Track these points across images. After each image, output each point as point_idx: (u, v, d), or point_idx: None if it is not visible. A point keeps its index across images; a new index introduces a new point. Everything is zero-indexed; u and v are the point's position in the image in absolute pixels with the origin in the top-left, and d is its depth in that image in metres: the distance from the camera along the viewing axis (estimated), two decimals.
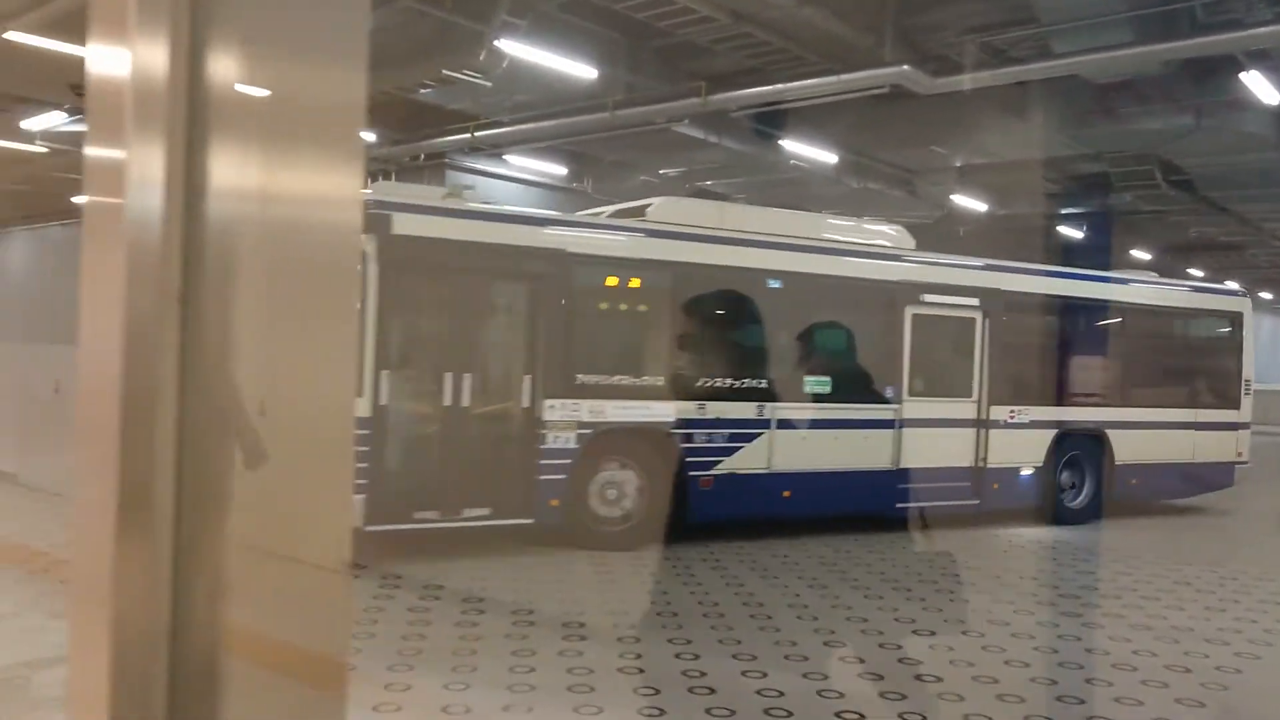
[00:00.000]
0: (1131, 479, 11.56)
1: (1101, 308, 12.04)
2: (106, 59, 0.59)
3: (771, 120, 13.73)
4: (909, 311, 10.17)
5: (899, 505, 9.95)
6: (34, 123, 14.93)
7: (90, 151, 0.62)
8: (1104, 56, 10.75)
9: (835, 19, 10.67)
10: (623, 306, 9.32)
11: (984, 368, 10.59)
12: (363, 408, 7.28)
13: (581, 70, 11.67)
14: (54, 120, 14.80)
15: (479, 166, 17.23)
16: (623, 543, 8.71)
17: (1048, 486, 11.13)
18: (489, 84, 12.11)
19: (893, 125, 14.63)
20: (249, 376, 0.64)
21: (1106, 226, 23.48)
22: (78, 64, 11.32)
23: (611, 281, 9.03)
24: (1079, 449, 11.50)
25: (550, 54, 11.18)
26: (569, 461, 8.51)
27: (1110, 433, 11.55)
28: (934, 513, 10.29)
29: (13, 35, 9.98)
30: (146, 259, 0.59)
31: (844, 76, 11.30)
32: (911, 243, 10.95)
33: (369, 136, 15.36)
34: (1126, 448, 11.57)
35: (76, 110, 14.40)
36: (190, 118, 0.60)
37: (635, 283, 9.07)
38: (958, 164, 17.10)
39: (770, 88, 11.92)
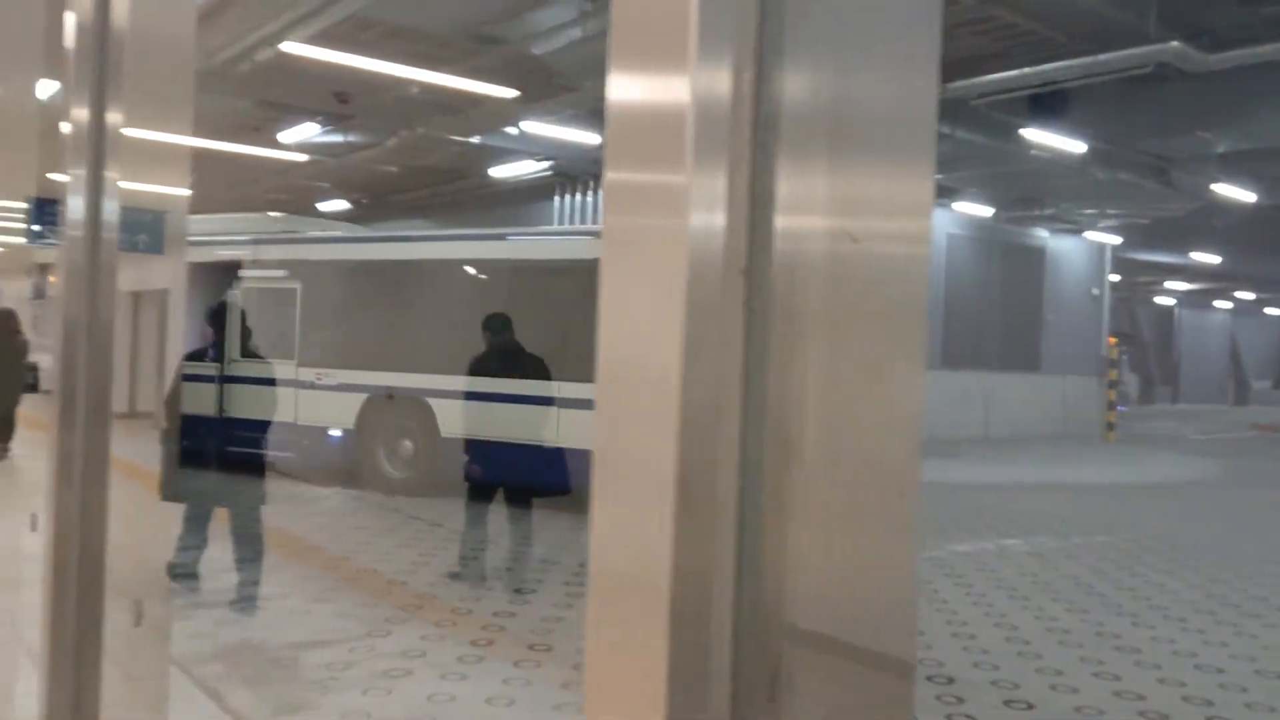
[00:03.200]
0: (468, 455, 8.70)
1: (431, 269, 11.50)
2: (647, 82, 0.56)
3: (1015, 107, 12.92)
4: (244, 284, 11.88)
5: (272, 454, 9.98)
6: (291, 134, 16.04)
7: (616, 175, 0.59)
8: None
9: None
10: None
11: (298, 333, 11.88)
12: None
13: None
14: (309, 130, 15.86)
15: None
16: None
17: (363, 451, 11.36)
18: None
19: (1147, 109, 13.49)
20: (813, 387, 0.60)
21: None
22: (341, 74, 12.10)
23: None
24: (408, 417, 11.06)
25: None
26: None
27: (433, 401, 10.72)
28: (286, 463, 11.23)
29: (287, 46, 10.68)
30: (710, 274, 0.56)
31: (1102, 57, 10.47)
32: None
33: (593, 138, 15.62)
34: (455, 420, 9.89)
35: (332, 119, 15.41)
36: (754, 136, 0.57)
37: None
38: (1221, 150, 15.58)
39: (1016, 72, 11.20)
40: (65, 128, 1.70)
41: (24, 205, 9.97)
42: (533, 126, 14.68)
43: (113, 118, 1.68)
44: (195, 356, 8.27)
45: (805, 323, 0.58)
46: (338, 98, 14.02)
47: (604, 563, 0.55)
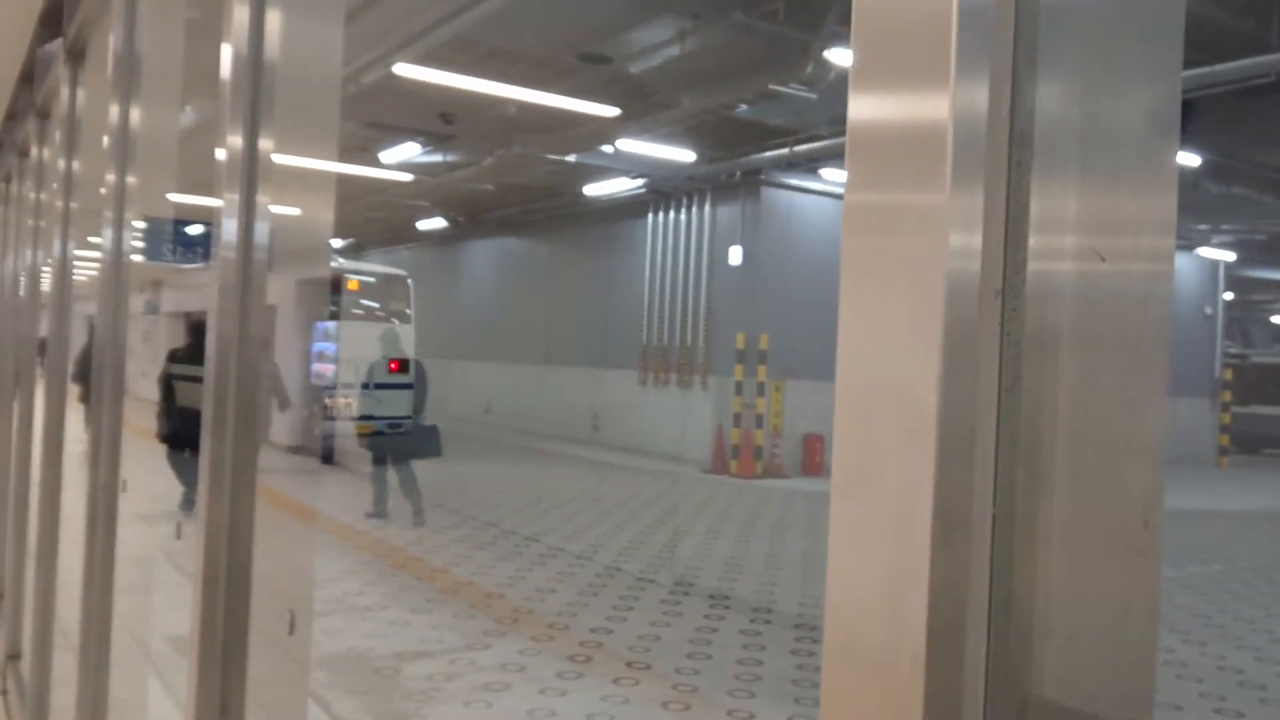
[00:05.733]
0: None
1: None
2: (901, 99, 0.56)
3: None
4: None
5: None
6: (392, 154, 16.46)
7: (861, 196, 0.59)
8: None
9: (1208, 2, 9.54)
10: None
11: None
12: None
13: None
14: (411, 151, 16.25)
15: (794, 182, 17.07)
16: None
17: None
18: (814, 97, 11.92)
19: (1265, 120, 12.95)
20: (1063, 413, 0.59)
21: None
22: (443, 95, 12.38)
23: None
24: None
25: None
26: None
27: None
28: None
29: (399, 69, 10.95)
30: (966, 295, 0.55)
31: (1219, 67, 10.09)
32: None
33: (687, 155, 15.67)
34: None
35: (432, 139, 15.77)
36: (1010, 153, 0.56)
37: None
38: None
39: None
40: (220, 154, 1.77)
41: (143, 224, 10.45)
42: (628, 144, 14.79)
43: (264, 144, 1.74)
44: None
45: (1056, 346, 0.56)
46: (443, 119, 14.34)
47: (846, 594, 0.54)
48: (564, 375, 21.03)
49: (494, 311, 23.72)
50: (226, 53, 1.75)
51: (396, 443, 11.28)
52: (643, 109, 13.26)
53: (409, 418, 11.13)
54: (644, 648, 6.25)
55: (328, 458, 13.26)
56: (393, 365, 12.04)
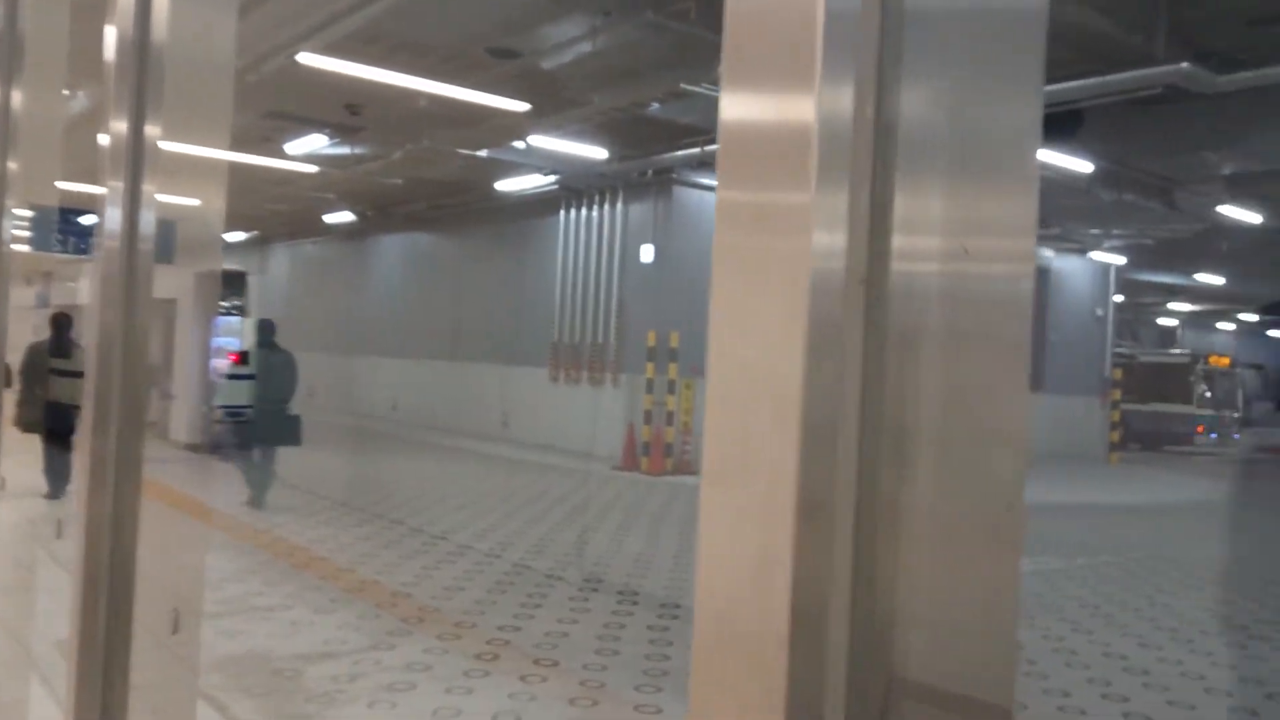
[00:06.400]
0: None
1: None
2: (768, 101, 0.57)
3: None
4: None
5: None
6: (297, 145, 16.08)
7: (732, 194, 0.61)
8: None
9: (1100, 15, 9.92)
10: None
11: None
12: None
13: None
14: (317, 142, 15.90)
15: (705, 181, 17.21)
16: None
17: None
18: None
19: (1154, 130, 13.53)
20: (926, 402, 0.60)
21: None
22: (350, 85, 12.13)
23: None
24: None
25: None
26: None
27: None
28: None
29: (303, 58, 10.70)
30: (832, 290, 0.56)
31: (1111, 78, 10.50)
32: None
33: (600, 153, 15.66)
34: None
35: (339, 131, 15.44)
36: (875, 153, 0.58)
37: None
38: (1227, 171, 15.62)
39: None
40: (103, 140, 1.70)
41: (29, 213, 10.04)
42: (540, 140, 14.71)
43: (151, 130, 1.68)
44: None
45: (920, 339, 0.58)
46: (350, 110, 14.06)
47: (715, 579, 0.55)
48: (473, 372, 20.84)
49: (402, 307, 23.38)
50: (110, 34, 1.68)
51: (257, 430, 11.43)
52: (554, 105, 13.21)
53: (249, 407, 11.49)
54: (551, 645, 6.24)
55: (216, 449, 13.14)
56: (233, 357, 12.28)
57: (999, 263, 0.60)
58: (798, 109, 0.53)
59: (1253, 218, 17.33)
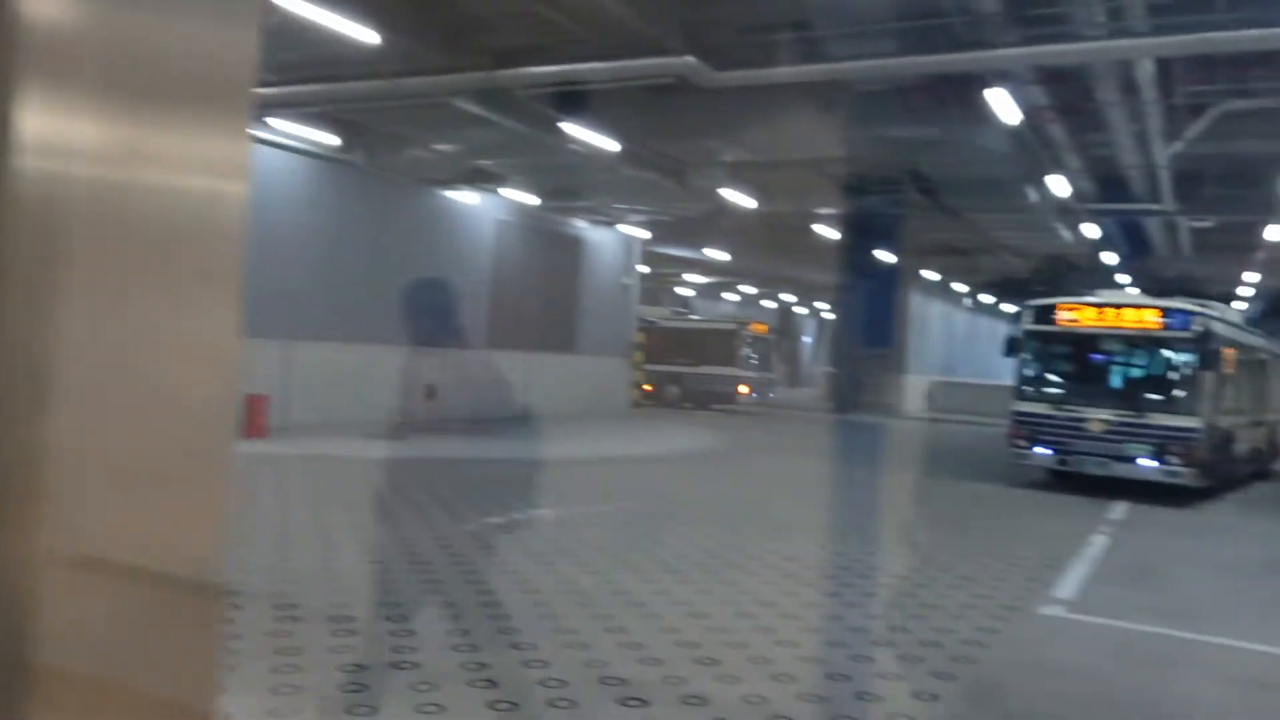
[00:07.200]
0: None
1: None
2: None
3: (556, 102, 13.62)
4: None
5: None
6: None
7: None
8: (870, 64, 11.40)
9: (624, 4, 10.70)
10: None
11: None
12: None
13: (362, 33, 11.02)
14: None
15: None
16: None
17: None
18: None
19: (669, 116, 14.91)
20: (78, 357, 0.55)
21: (863, 227, 25.10)
22: None
23: None
24: None
25: (326, 11, 10.49)
26: None
27: None
28: None
29: None
30: None
31: (631, 63, 11.38)
32: None
33: None
34: None
35: None
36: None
37: None
38: (728, 159, 17.67)
39: (557, 68, 11.82)
40: None
41: None
42: None
43: None
44: None
45: (69, 264, 0.54)
46: None
47: None
48: None
49: None
50: None
51: None
52: None
53: None
54: None
55: None
56: None
57: (190, 199, 0.59)
58: None
59: (749, 202, 19.79)
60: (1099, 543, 10.85)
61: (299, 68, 13.15)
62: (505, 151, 17.93)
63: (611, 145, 15.40)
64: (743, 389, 30.33)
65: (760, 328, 32.95)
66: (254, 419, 15.57)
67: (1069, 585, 8.50)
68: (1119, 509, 13.45)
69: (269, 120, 15.87)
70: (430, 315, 4.58)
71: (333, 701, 4.74)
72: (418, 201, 20.30)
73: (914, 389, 37.52)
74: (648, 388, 30.77)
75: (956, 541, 10.29)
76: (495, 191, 21.49)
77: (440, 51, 12.28)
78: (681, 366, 30.88)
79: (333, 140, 16.71)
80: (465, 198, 21.35)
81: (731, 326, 31.72)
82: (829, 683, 5.52)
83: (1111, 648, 6.74)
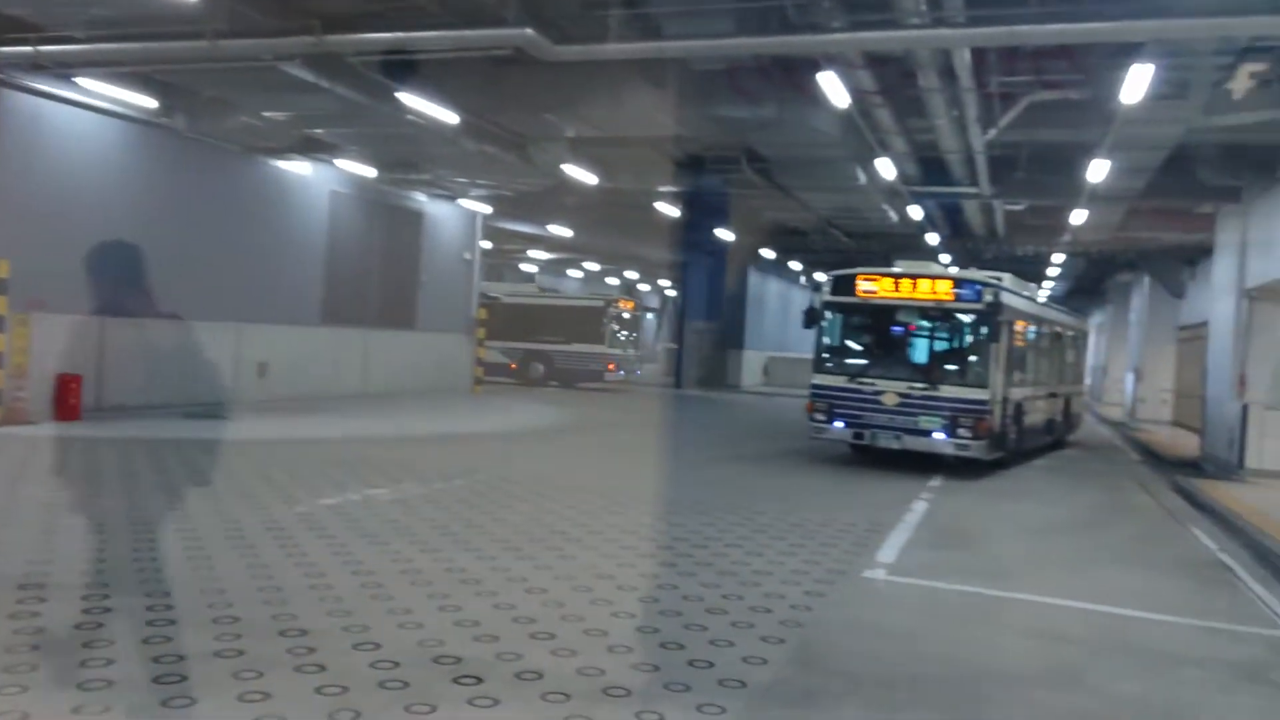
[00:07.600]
0: None
1: None
2: None
3: (390, 71, 13.21)
4: None
5: None
6: None
7: None
8: (706, 44, 11.55)
9: None
10: None
11: None
12: None
13: None
14: None
15: (44, 88, 14.92)
16: None
17: None
18: None
19: (509, 89, 14.69)
20: None
21: (702, 205, 25.50)
22: None
23: None
24: None
25: None
26: None
27: None
28: None
29: None
30: None
31: (467, 33, 11.14)
32: None
33: None
34: None
35: None
36: None
37: None
38: (570, 134, 17.58)
39: (390, 35, 11.45)
40: None
41: None
42: None
43: None
44: None
45: None
46: None
47: None
48: None
49: None
50: None
51: None
52: None
53: None
54: None
55: None
56: None
57: None
58: None
59: (590, 178, 19.77)
60: (919, 509, 11.45)
61: (111, 24, 12.29)
62: (339, 121, 17.29)
63: (451, 117, 15.07)
64: (610, 366, 30.39)
65: (628, 304, 33.02)
66: (65, 399, 14.60)
67: (890, 549, 8.94)
68: (937, 477, 14.22)
69: (77, 80, 14.79)
70: (115, 280, 4.42)
71: (146, 694, 4.52)
72: (245, 171, 19.36)
73: (752, 364, 38.59)
74: (513, 365, 30.50)
75: (790, 511, 10.65)
76: (330, 162, 20.72)
77: (266, 13, 11.70)
78: (547, 344, 30.68)
79: (149, 103, 15.70)
80: (297, 168, 20.51)
81: (600, 303, 31.62)
82: (663, 651, 5.62)
83: (926, 606, 7.15)
